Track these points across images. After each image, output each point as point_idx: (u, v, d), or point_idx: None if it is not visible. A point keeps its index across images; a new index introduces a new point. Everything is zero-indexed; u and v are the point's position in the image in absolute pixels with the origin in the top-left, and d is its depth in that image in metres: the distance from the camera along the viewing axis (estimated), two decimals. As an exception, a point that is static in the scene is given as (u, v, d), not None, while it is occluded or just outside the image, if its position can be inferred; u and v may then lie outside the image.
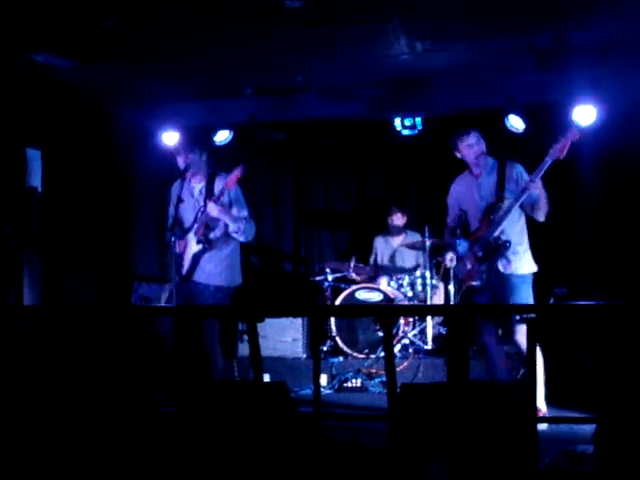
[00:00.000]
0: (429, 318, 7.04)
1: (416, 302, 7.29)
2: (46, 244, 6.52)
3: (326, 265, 7.74)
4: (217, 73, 6.13)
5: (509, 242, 5.17)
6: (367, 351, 6.88)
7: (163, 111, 6.92)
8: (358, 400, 6.33)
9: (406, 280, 7.40)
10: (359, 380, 6.70)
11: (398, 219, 7.85)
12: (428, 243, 7.19)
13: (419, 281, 7.35)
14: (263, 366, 4.25)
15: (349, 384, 6.71)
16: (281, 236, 8.75)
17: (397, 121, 7.35)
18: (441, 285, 7.33)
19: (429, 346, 7.02)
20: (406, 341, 7.04)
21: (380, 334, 6.75)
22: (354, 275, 7.58)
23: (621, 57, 5.52)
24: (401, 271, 7.62)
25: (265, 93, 6.62)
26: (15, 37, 5.07)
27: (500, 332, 5.37)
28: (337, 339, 6.98)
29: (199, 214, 5.42)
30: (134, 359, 6.34)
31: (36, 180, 6.52)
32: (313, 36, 5.23)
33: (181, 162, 5.53)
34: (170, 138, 6.90)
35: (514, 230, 5.24)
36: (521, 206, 5.21)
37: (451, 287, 6.94)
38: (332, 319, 6.98)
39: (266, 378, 6.18)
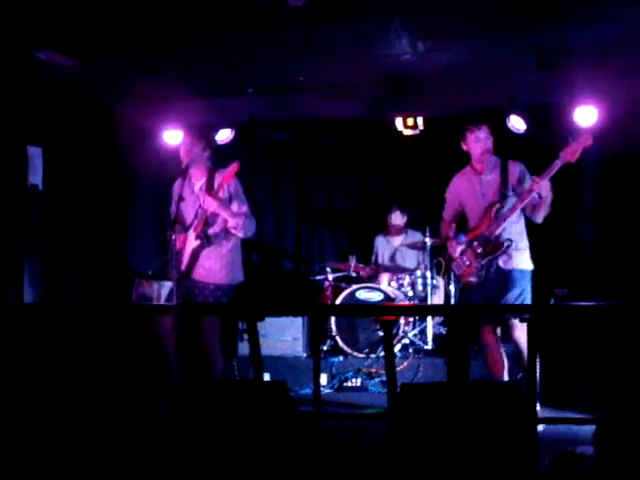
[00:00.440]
0: (429, 318, 7.04)
1: (416, 302, 7.29)
2: (47, 242, 6.52)
3: (327, 264, 7.74)
4: (219, 72, 6.13)
5: (511, 240, 5.17)
6: (367, 351, 6.88)
7: (164, 110, 6.92)
8: (358, 399, 6.34)
9: (407, 280, 7.40)
10: (359, 380, 6.70)
11: (398, 219, 7.85)
12: (429, 243, 7.19)
13: (420, 281, 7.34)
14: (263, 365, 4.27)
15: (349, 383, 6.71)
16: (282, 235, 8.75)
17: (398, 121, 7.34)
18: (441, 285, 7.33)
19: (429, 346, 7.02)
20: (406, 341, 7.04)
21: (380, 334, 6.74)
22: (354, 274, 7.58)
23: (622, 58, 5.51)
24: (402, 271, 7.62)
25: (266, 92, 6.62)
26: (17, 35, 5.07)
27: (499, 331, 5.37)
28: (337, 338, 6.97)
29: (198, 210, 5.41)
30: (134, 357, 6.35)
31: (37, 178, 6.52)
32: (315, 35, 5.22)
33: (184, 156, 5.50)
34: (172, 136, 6.90)
35: (515, 229, 5.25)
36: (521, 207, 5.21)
37: (452, 287, 6.93)
38: (332, 318, 6.98)
39: (266, 377, 6.18)
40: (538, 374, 5.22)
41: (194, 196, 5.51)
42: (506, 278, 5.22)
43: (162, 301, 6.86)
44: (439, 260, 7.22)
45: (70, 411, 4.18)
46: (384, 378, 6.36)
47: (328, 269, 7.59)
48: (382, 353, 6.62)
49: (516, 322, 5.12)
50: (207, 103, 6.90)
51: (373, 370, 6.72)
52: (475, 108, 6.68)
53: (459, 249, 5.34)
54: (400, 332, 6.97)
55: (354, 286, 7.20)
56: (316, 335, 6.27)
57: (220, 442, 3.58)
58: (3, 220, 5.93)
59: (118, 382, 5.75)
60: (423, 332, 7.10)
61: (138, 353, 6.44)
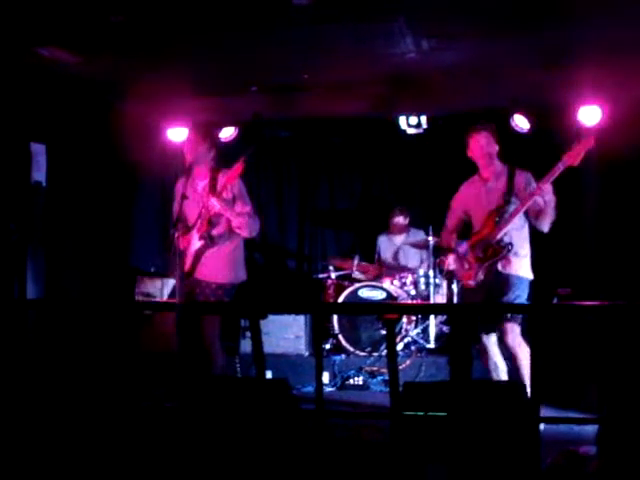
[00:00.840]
0: (432, 317, 7.04)
1: (419, 301, 7.29)
2: (50, 239, 6.53)
3: (329, 263, 7.74)
4: (222, 70, 6.12)
5: (511, 245, 5.17)
6: (369, 349, 6.89)
7: (168, 107, 6.92)
8: (360, 398, 6.34)
9: (409, 279, 7.40)
10: (361, 378, 6.71)
11: (401, 218, 7.85)
12: (432, 242, 7.19)
13: (422, 280, 7.35)
14: (265, 363, 4.26)
15: (351, 382, 6.72)
16: (285, 233, 8.75)
17: (402, 120, 7.34)
18: (444, 284, 7.33)
19: (432, 345, 7.03)
20: (409, 339, 7.05)
21: (383, 332, 6.75)
22: (357, 273, 7.59)
23: (627, 57, 5.50)
24: (404, 270, 7.62)
25: (270, 91, 6.62)
26: (20, 32, 5.07)
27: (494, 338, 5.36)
28: (340, 337, 6.98)
29: (202, 210, 5.41)
30: (136, 353, 6.35)
31: (40, 175, 6.52)
32: (319, 34, 5.22)
33: (188, 154, 5.50)
34: (176, 134, 6.91)
35: (517, 235, 5.24)
36: (526, 214, 5.20)
37: (454, 286, 6.94)
38: (335, 317, 6.98)
39: (268, 375, 6.18)
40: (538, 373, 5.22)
41: (197, 195, 5.50)
42: (504, 282, 5.22)
43: (164, 299, 6.88)
44: (441, 259, 7.23)
45: (72, 407, 4.19)
46: (386, 377, 6.36)
47: (331, 267, 7.59)
48: (384, 352, 6.62)
49: (508, 327, 5.12)
50: (211, 101, 6.90)
51: (375, 368, 6.73)
52: (479, 107, 6.69)
53: (453, 265, 5.38)
54: (402, 331, 6.98)
55: (357, 284, 7.20)
56: (318, 333, 6.27)
57: (222, 439, 3.58)
58: (6, 217, 5.93)
59: (120, 378, 5.75)
60: (425, 331, 7.10)
61: (141, 350, 6.45)
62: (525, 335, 5.18)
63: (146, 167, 7.71)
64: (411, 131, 7.41)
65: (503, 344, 5.23)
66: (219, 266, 5.43)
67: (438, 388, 3.77)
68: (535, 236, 5.40)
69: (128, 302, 6.50)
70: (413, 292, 7.35)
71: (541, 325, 4.08)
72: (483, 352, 5.39)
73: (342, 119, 7.80)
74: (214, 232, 5.41)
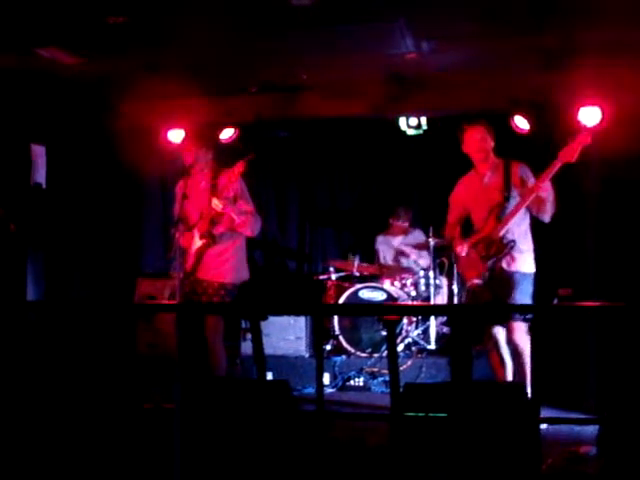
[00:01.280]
0: (432, 318, 7.03)
1: (419, 302, 7.28)
2: (50, 240, 6.53)
3: (330, 264, 7.74)
4: (222, 71, 6.12)
5: (514, 242, 5.19)
6: (370, 350, 6.88)
7: (168, 108, 6.91)
8: (361, 399, 6.33)
9: (410, 280, 7.40)
10: (362, 379, 6.70)
11: (402, 218, 7.85)
12: (432, 243, 7.19)
13: (422, 281, 7.34)
14: (266, 364, 4.26)
15: (352, 383, 6.71)
16: (285, 234, 8.74)
17: (402, 120, 7.33)
18: (445, 285, 7.33)
19: (432, 346, 7.02)
20: (409, 340, 7.04)
21: (383, 333, 6.74)
22: (358, 274, 7.58)
23: (628, 58, 5.50)
24: (405, 270, 7.62)
25: (270, 91, 6.62)
26: (20, 33, 5.07)
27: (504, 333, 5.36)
28: (340, 338, 6.97)
29: (203, 210, 5.41)
30: (137, 355, 6.35)
31: (40, 176, 6.53)
32: (319, 34, 5.22)
33: (188, 158, 5.51)
34: (176, 135, 6.90)
35: (519, 230, 5.27)
36: (527, 206, 5.22)
37: (455, 287, 6.94)
38: (335, 318, 6.98)
39: (269, 376, 6.18)
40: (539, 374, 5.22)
41: (198, 195, 5.51)
42: (509, 280, 5.23)
43: (165, 299, 6.88)
44: (442, 260, 7.24)
45: (73, 408, 4.18)
46: (387, 378, 6.35)
47: (331, 268, 7.59)
48: (385, 353, 6.61)
49: (515, 325, 5.13)
50: (210, 102, 6.90)
51: (376, 369, 6.72)
52: (479, 108, 6.68)
53: (466, 248, 5.35)
54: (403, 332, 6.97)
55: (357, 285, 7.19)
56: (319, 334, 6.27)
57: (223, 441, 3.58)
58: (7, 218, 5.93)
59: (121, 380, 5.75)
60: (426, 332, 7.10)
61: (141, 351, 6.45)
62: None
63: (146, 168, 7.71)
64: (411, 132, 7.40)
65: (510, 341, 5.24)
66: (221, 265, 5.43)
67: (439, 389, 3.77)
68: (536, 236, 5.40)
69: (128, 304, 6.50)
70: (413, 293, 7.34)
71: (542, 326, 4.07)
72: (492, 348, 5.37)
73: (342, 120, 7.79)
74: (215, 231, 5.41)
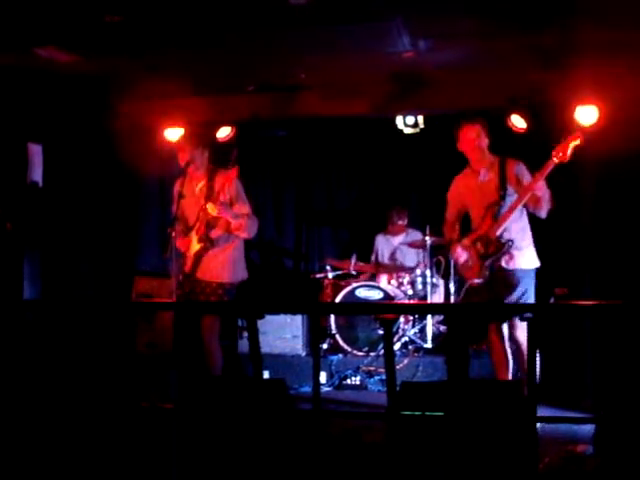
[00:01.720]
0: (429, 316, 7.04)
1: (416, 300, 7.29)
2: (47, 239, 6.52)
3: (327, 262, 7.74)
4: (220, 70, 6.12)
5: (512, 241, 5.19)
6: (367, 349, 6.88)
7: (165, 107, 6.91)
8: (357, 398, 6.34)
9: (406, 278, 7.40)
10: (359, 378, 6.70)
11: (399, 217, 7.85)
12: (429, 242, 7.19)
13: (419, 279, 7.35)
14: (262, 363, 4.26)
15: (349, 382, 6.72)
16: (282, 233, 8.74)
17: (399, 119, 7.33)
18: (441, 284, 7.33)
19: (429, 344, 7.02)
20: (406, 339, 7.04)
21: (380, 332, 6.74)
22: (354, 273, 7.58)
23: (625, 57, 5.50)
24: (401, 269, 7.62)
25: (268, 90, 6.61)
26: (18, 31, 5.06)
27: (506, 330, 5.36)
28: (337, 337, 6.98)
29: (200, 213, 5.41)
30: (134, 354, 6.34)
31: (37, 175, 6.52)
32: (316, 33, 5.22)
33: (183, 158, 5.51)
34: (173, 134, 6.89)
35: (517, 227, 5.27)
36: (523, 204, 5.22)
37: (451, 286, 6.95)
38: (332, 316, 6.98)
39: (265, 375, 6.17)
40: (538, 373, 5.23)
41: (195, 196, 5.51)
42: (509, 278, 5.23)
43: (162, 298, 6.87)
44: (439, 259, 7.24)
45: (70, 408, 4.18)
46: (384, 376, 6.35)
47: (328, 267, 7.59)
48: (382, 351, 6.62)
49: (517, 322, 5.13)
50: (208, 101, 6.89)
51: (373, 368, 6.72)
52: (476, 107, 6.68)
53: (464, 255, 5.35)
54: (400, 330, 6.98)
55: (354, 284, 7.20)
56: (316, 333, 6.27)
57: (219, 439, 3.58)
58: (3, 217, 5.93)
59: (118, 379, 5.75)
60: (423, 330, 7.10)
61: (141, 351, 6.44)
62: None
63: (144, 167, 7.70)
64: (408, 131, 7.40)
65: (512, 339, 5.24)
66: (219, 266, 5.43)
67: (435, 388, 3.78)
68: (534, 235, 5.40)
69: (125, 302, 6.49)
70: (410, 292, 7.35)
71: (539, 326, 4.08)
72: (497, 344, 5.37)
73: (339, 119, 7.78)
74: (213, 234, 5.42)
